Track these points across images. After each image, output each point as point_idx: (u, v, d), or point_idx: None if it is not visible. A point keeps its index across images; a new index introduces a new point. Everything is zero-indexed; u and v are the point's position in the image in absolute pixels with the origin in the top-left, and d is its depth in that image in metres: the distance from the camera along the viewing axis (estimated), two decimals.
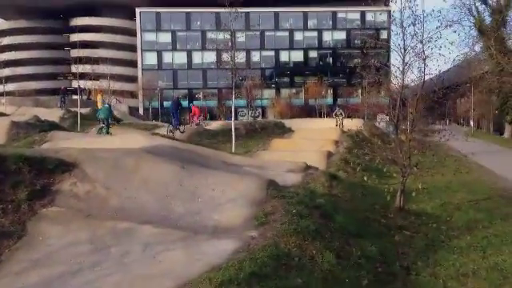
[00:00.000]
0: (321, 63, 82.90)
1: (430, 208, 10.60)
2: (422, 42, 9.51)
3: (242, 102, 77.98)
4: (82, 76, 66.64)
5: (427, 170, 10.19)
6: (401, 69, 10.11)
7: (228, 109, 67.99)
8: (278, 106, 72.90)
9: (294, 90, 79.91)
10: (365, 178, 9.53)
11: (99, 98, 29.38)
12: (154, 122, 36.96)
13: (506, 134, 42.56)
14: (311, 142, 19.02)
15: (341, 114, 30.91)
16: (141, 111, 75.80)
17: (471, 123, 54.80)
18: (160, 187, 6.62)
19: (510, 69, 38.19)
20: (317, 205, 6.74)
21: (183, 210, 6.18)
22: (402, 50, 9.82)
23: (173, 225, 5.73)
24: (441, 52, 9.38)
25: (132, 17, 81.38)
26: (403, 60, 10.20)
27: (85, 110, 33.17)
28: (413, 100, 10.17)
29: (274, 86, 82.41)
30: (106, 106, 21.17)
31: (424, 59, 9.49)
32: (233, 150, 17.30)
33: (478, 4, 41.37)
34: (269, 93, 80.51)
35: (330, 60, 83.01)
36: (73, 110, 33.11)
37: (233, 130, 18.41)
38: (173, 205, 6.29)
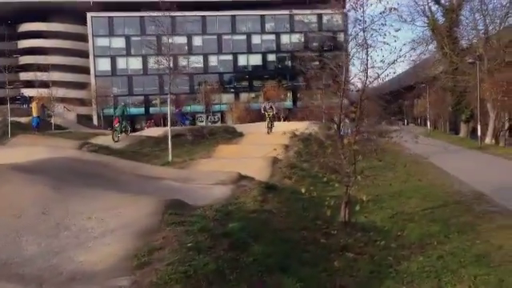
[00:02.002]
0: (279, 66, 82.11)
1: (379, 220, 9.32)
2: (364, 29, 8.28)
3: (200, 108, 76.41)
4: (31, 84, 63.61)
5: (374, 176, 8.90)
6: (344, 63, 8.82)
7: (187, 114, 66.22)
8: (237, 110, 71.42)
9: (252, 94, 78.73)
10: (302, 190, 8.10)
11: (34, 106, 27.20)
12: (98, 131, 34.79)
13: (462, 133, 42.61)
14: (259, 148, 17.61)
15: (270, 108, 25.12)
16: (94, 119, 72.92)
17: (428, 123, 54.97)
18: (9, 218, 5.01)
19: (463, 68, 38.45)
20: (227, 231, 5.27)
21: (37, 249, 4.59)
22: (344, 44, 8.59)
23: (11, 274, 4.13)
24: (385, 41, 8.18)
25: (83, 22, 78.33)
26: (346, 51, 8.95)
27: (25, 119, 30.87)
28: (356, 99, 8.90)
29: (232, 90, 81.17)
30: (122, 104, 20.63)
31: (367, 48, 8.27)
32: (169, 159, 15.71)
33: (431, 4, 41.51)
34: (227, 97, 79.14)
35: (289, 63, 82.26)
36: (11, 119, 30.74)
37: (169, 137, 16.84)
38: (24, 242, 4.70)
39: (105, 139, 21.52)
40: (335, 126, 8.48)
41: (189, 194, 7.84)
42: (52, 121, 38.13)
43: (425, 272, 6.32)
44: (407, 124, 76.55)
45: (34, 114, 27.08)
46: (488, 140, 32.46)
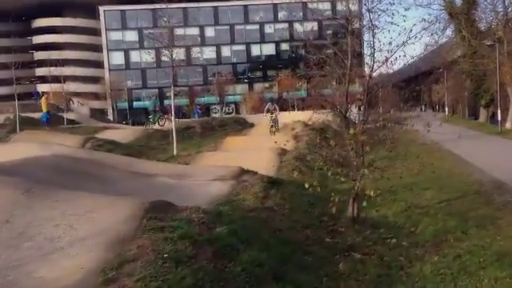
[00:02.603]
0: (293, 55, 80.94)
1: (391, 214, 8.67)
2: (369, 10, 7.60)
3: (214, 99, 76.07)
4: (46, 79, 63.87)
5: (384, 168, 8.23)
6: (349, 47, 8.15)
7: (199, 105, 65.96)
8: (251, 100, 70.74)
9: (266, 84, 77.92)
10: (306, 185, 7.49)
11: (43, 101, 27.01)
12: (110, 124, 34.59)
13: (481, 119, 41.33)
14: (268, 138, 17.02)
15: (274, 109, 22.37)
16: (109, 113, 73.03)
17: (446, 109, 53.58)
18: None
19: (482, 51, 37.13)
20: (213, 237, 4.69)
21: None
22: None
23: None
24: (393, 21, 7.50)
25: (96, 16, 78.30)
26: (352, 34, 8.27)
27: (38, 115, 30.77)
28: (365, 86, 8.25)
29: (246, 80, 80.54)
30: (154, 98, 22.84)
31: (373, 30, 7.60)
32: (174, 153, 15.23)
33: None
34: (241, 88, 78.51)
35: (303, 52, 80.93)
36: (23, 115, 30.83)
37: (173, 130, 16.33)
38: None
39: (112, 133, 21.18)
40: (341, 114, 7.85)
41: (183, 191, 7.33)
42: (64, 115, 38.11)
43: (439, 275, 5.68)
44: (425, 110, 75.07)
45: (44, 109, 26.88)
46: (509, 125, 31.29)
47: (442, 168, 14.18)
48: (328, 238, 7.01)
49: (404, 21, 7.55)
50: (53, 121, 30.35)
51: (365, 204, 7.38)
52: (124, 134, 20.73)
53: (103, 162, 8.52)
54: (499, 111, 29.73)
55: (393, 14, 7.47)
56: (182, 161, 13.77)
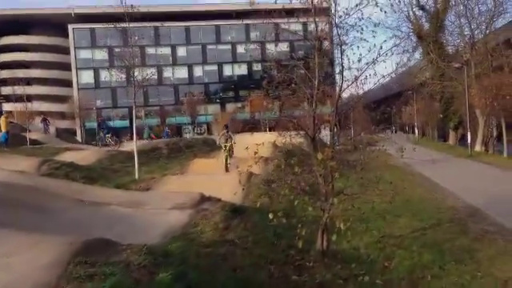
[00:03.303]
0: (265, 76, 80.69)
1: (364, 245, 8.06)
2: (337, 25, 7.10)
3: (185, 119, 75.15)
4: (11, 98, 61.78)
5: (355, 196, 7.62)
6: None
7: (168, 126, 64.96)
8: (223, 121, 70.03)
9: (239, 105, 77.54)
10: (270, 215, 6.78)
11: (3, 120, 25.65)
12: (75, 145, 33.28)
13: (451, 141, 41.75)
14: (237, 161, 16.29)
15: (230, 138, 18.36)
16: (78, 133, 71.05)
17: (416, 131, 54.11)
18: None
19: (450, 73, 37.66)
20: (153, 286, 3.92)
21: None
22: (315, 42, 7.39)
23: None
24: (362, 37, 7.01)
25: (64, 34, 76.80)
26: (320, 51, 7.74)
27: None
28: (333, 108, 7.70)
29: (218, 100, 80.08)
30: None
31: (340, 46, 7.09)
32: (136, 177, 14.35)
33: (415, 9, 40.84)
34: (213, 108, 77.88)
35: (275, 72, 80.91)
36: None
37: (135, 152, 15.47)
38: None
39: (74, 155, 20.08)
40: (308, 137, 7.25)
41: (135, 222, 6.56)
42: (27, 135, 36.55)
43: None
44: (395, 132, 75.84)
45: (3, 129, 25.51)
46: (478, 147, 31.51)
47: (415, 193, 13.77)
48: (295, 276, 6.30)
49: (374, 37, 7.07)
50: (14, 141, 28.98)
51: (334, 238, 6.72)
52: (86, 155, 19.66)
53: (46, 190, 7.66)
54: (469, 134, 29.87)
55: (362, 29, 6.98)
56: (143, 185, 12.93)
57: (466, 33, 35.98)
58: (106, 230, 5.31)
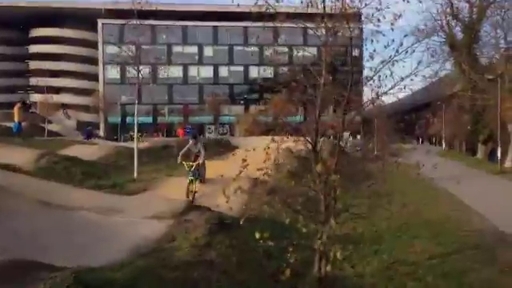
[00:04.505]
0: (291, 79, 79.70)
1: (370, 273, 6.98)
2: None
3: (208, 119, 74.85)
4: (40, 89, 62.46)
5: (364, 214, 6.56)
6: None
7: (191, 125, 64.82)
8: (245, 122, 69.31)
9: (262, 107, 76.71)
10: (256, 235, 5.73)
11: (16, 111, 25.46)
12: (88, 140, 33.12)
13: (480, 155, 39.84)
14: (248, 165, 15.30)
15: (199, 152, 13.05)
16: (101, 127, 71.39)
17: (443, 143, 52.15)
18: None
19: (482, 86, 35.93)
20: None
21: None
22: None
23: None
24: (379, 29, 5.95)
25: (94, 28, 77.47)
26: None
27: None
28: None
29: (242, 102, 79.49)
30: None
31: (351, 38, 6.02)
32: (135, 176, 13.54)
33: (449, 19, 39.22)
34: (237, 109, 77.33)
35: (301, 76, 79.80)
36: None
37: (135, 152, 14.69)
38: None
39: (81, 149, 19.51)
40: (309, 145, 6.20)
41: (101, 233, 5.66)
42: (46, 126, 36.60)
43: None
44: (422, 143, 73.79)
45: (16, 119, 25.30)
46: (509, 164, 29.76)
47: (437, 211, 12.54)
48: None
49: (392, 29, 5.97)
50: (32, 132, 28.89)
51: (329, 268, 5.62)
52: (94, 150, 19.09)
53: (8, 188, 6.82)
54: (499, 149, 28.20)
55: (378, 20, 5.92)
56: (141, 185, 12.12)
57: (501, 45, 34.37)
58: (62, 241, 4.46)
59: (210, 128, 76.35)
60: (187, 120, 72.74)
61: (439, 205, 13.67)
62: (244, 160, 5.85)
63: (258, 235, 5.55)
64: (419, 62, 6.50)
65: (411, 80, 6.19)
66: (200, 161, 12.57)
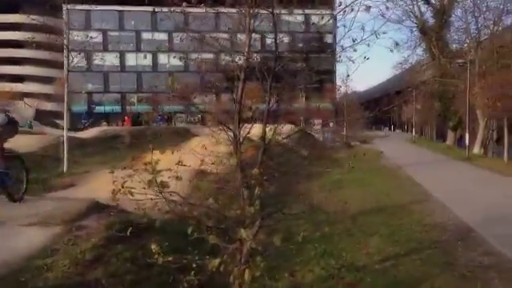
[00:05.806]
0: (265, 67, 78.74)
1: (309, 283, 5.83)
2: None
3: (178, 108, 73.18)
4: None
5: (303, 213, 5.41)
6: None
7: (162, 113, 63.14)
8: (216, 111, 68.01)
9: (234, 95, 75.62)
10: (152, 247, 4.40)
11: None
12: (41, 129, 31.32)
13: (449, 141, 39.54)
14: (200, 155, 14.04)
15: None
16: (65, 116, 68.81)
17: (413, 130, 51.88)
18: None
19: (452, 71, 35.43)
20: None
21: None
22: None
23: None
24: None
25: (58, 14, 74.40)
26: None
27: None
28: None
29: (213, 90, 77.94)
30: None
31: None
32: (64, 169, 12.14)
33: (420, 3, 38.54)
34: (209, 98, 75.64)
35: (272, 64, 78.84)
36: None
37: (65, 143, 13.26)
38: None
39: (22, 140, 17.85)
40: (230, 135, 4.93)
41: None
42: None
43: None
44: (393, 130, 73.85)
45: None
46: (476, 150, 29.30)
47: (400, 201, 11.59)
48: None
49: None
50: None
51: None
52: (34, 140, 17.45)
53: None
54: (467, 135, 27.63)
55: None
56: (68, 180, 10.73)
57: (472, 30, 33.84)
58: None
59: (180, 117, 74.80)
60: (157, 109, 70.95)
61: (403, 194, 12.74)
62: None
63: (153, 247, 4.29)
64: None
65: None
66: None
